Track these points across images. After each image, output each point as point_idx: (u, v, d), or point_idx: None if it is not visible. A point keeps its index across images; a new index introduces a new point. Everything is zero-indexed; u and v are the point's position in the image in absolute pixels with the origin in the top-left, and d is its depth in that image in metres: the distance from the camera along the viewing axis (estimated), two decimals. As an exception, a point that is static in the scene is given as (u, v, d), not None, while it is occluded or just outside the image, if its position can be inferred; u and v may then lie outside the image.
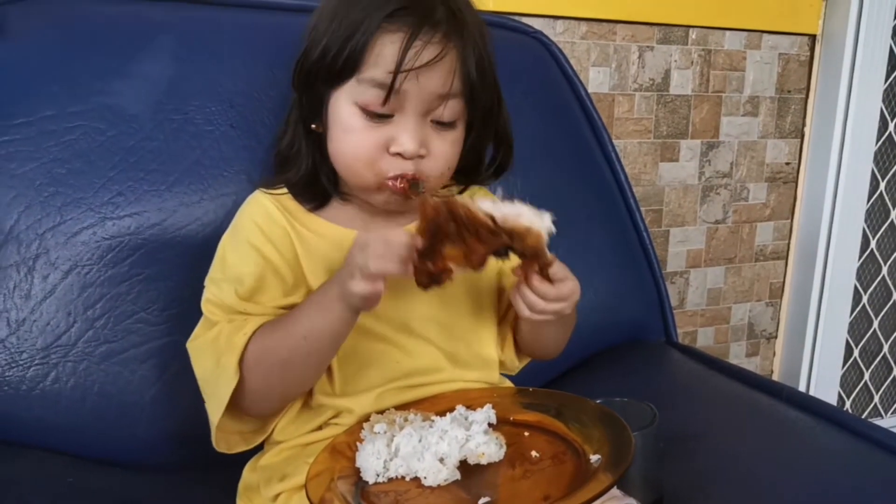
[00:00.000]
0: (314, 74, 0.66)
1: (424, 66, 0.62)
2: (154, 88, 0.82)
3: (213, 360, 0.65)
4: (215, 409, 0.65)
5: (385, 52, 0.63)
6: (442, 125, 0.67)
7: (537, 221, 0.59)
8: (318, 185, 0.71)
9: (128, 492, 0.75)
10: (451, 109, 0.66)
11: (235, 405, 0.65)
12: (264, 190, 0.72)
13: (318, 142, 0.70)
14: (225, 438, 0.69)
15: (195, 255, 0.79)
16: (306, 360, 0.65)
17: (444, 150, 0.68)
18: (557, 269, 0.66)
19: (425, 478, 0.58)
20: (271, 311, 0.67)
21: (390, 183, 0.66)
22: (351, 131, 0.66)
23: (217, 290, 0.68)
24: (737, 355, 1.69)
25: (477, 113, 0.69)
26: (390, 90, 0.63)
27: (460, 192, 0.77)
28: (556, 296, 0.66)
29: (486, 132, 0.73)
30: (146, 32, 0.84)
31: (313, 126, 0.69)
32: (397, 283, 0.69)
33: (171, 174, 0.81)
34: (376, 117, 0.65)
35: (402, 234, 0.59)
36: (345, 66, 0.64)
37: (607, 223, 1.08)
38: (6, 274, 0.76)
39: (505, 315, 0.78)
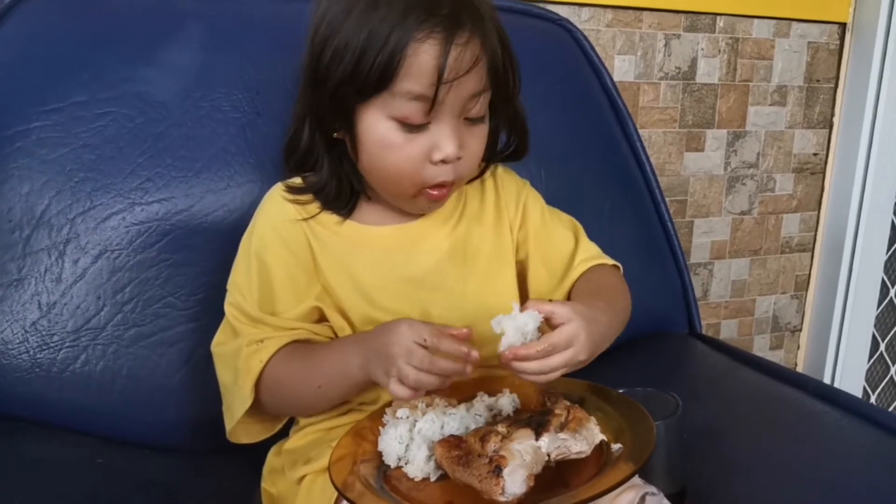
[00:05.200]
0: (342, 88, 0.63)
1: (466, 74, 0.61)
2: (182, 76, 0.83)
3: (232, 375, 0.68)
4: (229, 419, 0.69)
5: (421, 64, 0.60)
6: (473, 120, 0.66)
7: (585, 447, 0.57)
8: (344, 190, 0.70)
9: (156, 473, 0.76)
10: (483, 103, 0.65)
11: (252, 406, 0.68)
12: (286, 185, 0.72)
13: (340, 147, 0.69)
14: (245, 429, 0.70)
15: (222, 241, 0.80)
16: (317, 401, 0.69)
17: (476, 147, 0.68)
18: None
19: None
20: (289, 325, 0.69)
21: (427, 191, 0.66)
22: (391, 147, 0.64)
23: (240, 296, 0.69)
24: (760, 348, 1.68)
25: (499, 96, 0.67)
26: (433, 102, 0.61)
27: (482, 173, 0.75)
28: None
29: (505, 114, 0.71)
30: (175, 21, 0.85)
31: (335, 134, 0.68)
32: (417, 280, 0.69)
33: (198, 160, 0.82)
34: (415, 129, 0.63)
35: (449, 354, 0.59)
36: (379, 82, 0.61)
37: (631, 213, 1.07)
38: (38, 258, 0.78)
39: None
